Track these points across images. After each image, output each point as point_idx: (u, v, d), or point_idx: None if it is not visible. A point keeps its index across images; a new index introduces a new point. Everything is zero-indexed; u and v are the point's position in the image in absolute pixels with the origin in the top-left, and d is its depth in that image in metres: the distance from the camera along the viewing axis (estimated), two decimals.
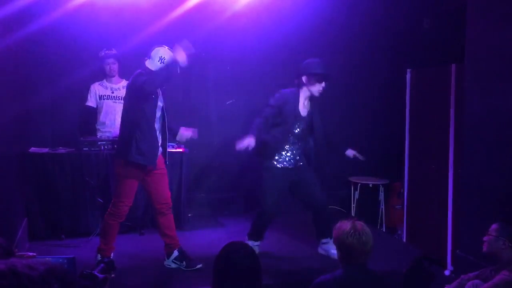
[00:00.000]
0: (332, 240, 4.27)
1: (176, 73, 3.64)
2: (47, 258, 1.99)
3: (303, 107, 4.29)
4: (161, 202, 3.98)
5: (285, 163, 4.27)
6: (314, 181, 4.34)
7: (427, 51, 5.62)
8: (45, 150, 4.88)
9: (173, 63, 3.63)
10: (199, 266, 3.98)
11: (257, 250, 3.56)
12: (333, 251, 4.27)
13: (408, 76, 5.24)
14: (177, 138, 4.13)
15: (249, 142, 4.00)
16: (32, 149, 4.89)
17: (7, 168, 4.25)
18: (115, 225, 3.91)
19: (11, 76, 4.55)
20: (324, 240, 4.37)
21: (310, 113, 4.31)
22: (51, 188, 4.74)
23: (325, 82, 4.19)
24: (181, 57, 3.64)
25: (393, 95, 5.83)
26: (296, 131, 4.27)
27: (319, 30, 5.70)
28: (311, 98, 4.28)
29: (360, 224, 2.52)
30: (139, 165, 3.76)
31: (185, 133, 4.08)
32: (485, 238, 3.21)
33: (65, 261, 2.07)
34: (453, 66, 4.58)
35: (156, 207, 3.99)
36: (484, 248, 3.21)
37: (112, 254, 3.93)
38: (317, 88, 4.19)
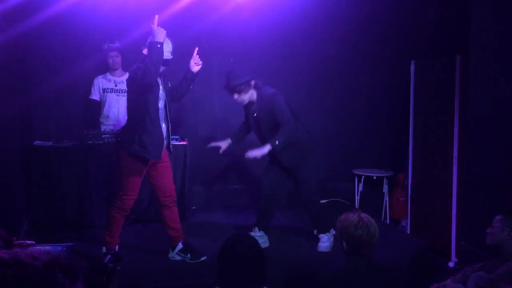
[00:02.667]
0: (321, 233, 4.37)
1: (161, 53, 3.58)
2: (47, 247, 2.00)
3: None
4: (165, 195, 3.98)
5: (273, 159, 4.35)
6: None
7: (431, 42, 5.59)
8: (50, 143, 4.90)
9: (153, 44, 3.57)
10: (203, 258, 3.99)
11: (261, 241, 3.56)
12: (322, 244, 4.31)
13: (412, 67, 5.21)
14: (190, 72, 4.01)
15: (224, 146, 4.34)
16: (37, 142, 4.91)
17: (12, 161, 4.27)
18: (120, 218, 3.92)
19: (15, 70, 4.55)
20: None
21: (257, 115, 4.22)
22: (55, 181, 4.77)
23: (235, 94, 4.13)
24: (159, 36, 3.58)
25: (397, 86, 5.80)
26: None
27: (322, 22, 5.67)
28: (257, 99, 4.20)
29: (366, 216, 2.52)
30: (142, 157, 3.76)
31: (194, 66, 4.01)
32: (488, 230, 3.20)
33: (64, 248, 2.07)
34: (458, 57, 4.55)
35: (160, 200, 4.00)
36: (488, 240, 3.20)
37: (116, 247, 3.95)
38: None
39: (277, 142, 3.95)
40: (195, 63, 4.00)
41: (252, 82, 4.13)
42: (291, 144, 4.10)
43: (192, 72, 4.01)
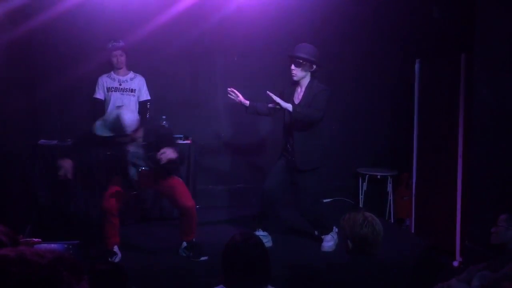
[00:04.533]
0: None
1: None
2: (53, 245, 2.01)
3: (297, 95, 4.22)
4: (178, 206, 4.10)
5: (286, 154, 4.30)
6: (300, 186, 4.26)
7: (436, 41, 5.56)
8: (54, 142, 4.92)
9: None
10: (203, 258, 4.05)
11: (264, 240, 3.56)
12: (326, 244, 4.31)
13: (416, 66, 5.19)
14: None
15: (242, 100, 4.21)
16: (41, 141, 4.93)
17: (17, 160, 4.29)
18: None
19: (20, 69, 4.57)
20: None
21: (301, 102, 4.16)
22: (60, 180, 4.77)
23: (292, 64, 4.09)
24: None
25: (402, 85, 5.78)
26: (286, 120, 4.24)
27: (326, 21, 5.65)
28: (306, 85, 4.17)
29: (370, 214, 2.52)
30: None
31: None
32: (493, 230, 3.18)
33: (71, 246, 2.08)
34: (463, 56, 4.53)
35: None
36: (493, 239, 3.19)
37: (115, 246, 4.01)
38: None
39: (298, 109, 3.98)
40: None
41: (314, 67, 4.14)
42: (312, 147, 4.14)
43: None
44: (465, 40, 4.59)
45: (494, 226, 3.17)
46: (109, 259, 3.91)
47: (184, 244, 4.12)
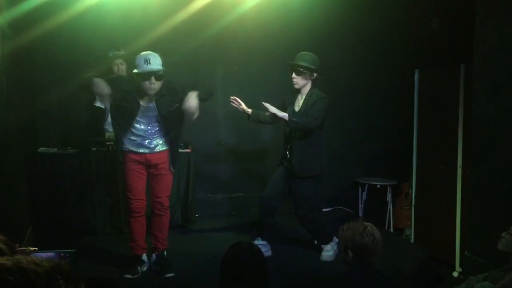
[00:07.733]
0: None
1: None
2: (49, 253, 2.01)
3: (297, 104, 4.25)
4: (154, 200, 3.94)
5: (284, 162, 4.30)
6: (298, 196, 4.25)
7: (435, 51, 5.59)
8: (54, 150, 4.93)
9: None
10: (169, 275, 3.87)
11: (263, 249, 3.55)
12: (325, 253, 4.30)
13: (416, 76, 5.21)
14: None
15: (245, 108, 4.24)
16: (41, 149, 4.94)
17: (16, 168, 4.29)
18: (132, 222, 3.91)
19: (21, 78, 4.59)
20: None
21: (301, 110, 4.19)
22: (59, 188, 4.78)
23: (293, 72, 4.14)
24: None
25: (401, 95, 5.80)
26: (286, 129, 4.26)
27: (326, 31, 5.68)
28: (306, 93, 4.21)
29: (368, 224, 2.52)
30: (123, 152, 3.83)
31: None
32: (503, 234, 3.10)
33: (67, 255, 2.08)
34: (462, 66, 4.55)
35: (151, 204, 3.97)
36: (500, 245, 3.11)
37: (144, 255, 3.94)
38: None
39: (294, 119, 4.01)
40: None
41: (315, 75, 4.18)
42: (310, 154, 4.15)
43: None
44: (464, 51, 4.61)
45: (506, 232, 3.09)
46: (138, 268, 3.84)
47: (153, 257, 3.97)
